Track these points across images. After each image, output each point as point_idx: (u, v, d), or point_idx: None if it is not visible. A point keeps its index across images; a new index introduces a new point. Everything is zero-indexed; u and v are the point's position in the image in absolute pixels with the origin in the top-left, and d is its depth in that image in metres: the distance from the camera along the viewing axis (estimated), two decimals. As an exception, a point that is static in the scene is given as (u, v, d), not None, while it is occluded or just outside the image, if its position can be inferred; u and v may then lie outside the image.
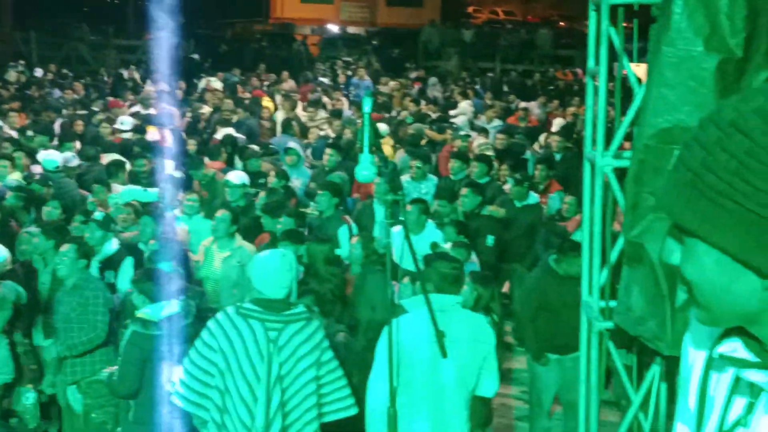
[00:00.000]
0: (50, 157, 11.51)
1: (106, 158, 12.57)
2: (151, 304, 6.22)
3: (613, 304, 5.11)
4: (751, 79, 4.21)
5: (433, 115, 17.87)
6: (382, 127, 14.34)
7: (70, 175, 11.52)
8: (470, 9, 46.08)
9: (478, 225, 9.82)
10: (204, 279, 8.54)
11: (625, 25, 5.15)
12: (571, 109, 19.00)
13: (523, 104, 19.67)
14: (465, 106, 19.65)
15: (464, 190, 10.21)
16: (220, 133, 14.89)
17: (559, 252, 7.79)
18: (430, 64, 30.43)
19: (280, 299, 5.36)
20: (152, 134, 14.84)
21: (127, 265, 8.22)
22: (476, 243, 9.27)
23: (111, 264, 8.29)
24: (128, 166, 11.80)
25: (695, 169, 1.42)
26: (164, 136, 14.99)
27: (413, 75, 27.07)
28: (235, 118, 16.63)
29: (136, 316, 6.15)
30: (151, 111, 17.43)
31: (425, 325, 5.01)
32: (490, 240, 9.83)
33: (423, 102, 20.24)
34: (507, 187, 11.12)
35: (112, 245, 8.50)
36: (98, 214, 9.42)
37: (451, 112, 18.95)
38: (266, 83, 23.36)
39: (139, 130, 14.91)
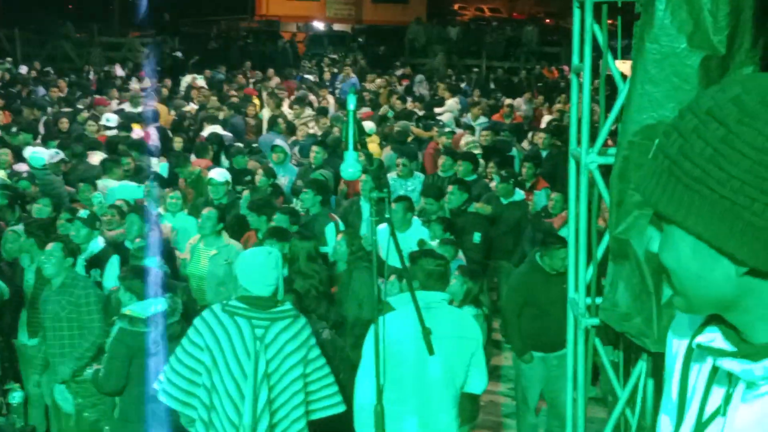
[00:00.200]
0: (37, 154, 11.47)
1: (93, 156, 12.54)
2: (138, 301, 6.21)
3: (599, 300, 5.13)
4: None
5: (420, 113, 17.88)
6: (369, 125, 14.34)
7: (56, 172, 11.48)
8: (456, 6, 46.10)
9: (465, 222, 9.84)
10: (191, 277, 8.53)
11: (609, 22, 5.16)
12: (558, 106, 19.04)
13: (508, 101, 19.69)
14: (451, 103, 19.67)
15: (450, 188, 10.22)
16: (207, 131, 14.86)
17: (542, 246, 7.82)
18: (416, 61, 30.43)
19: (266, 297, 5.35)
20: (137, 132, 14.81)
21: (113, 263, 8.20)
22: (463, 240, 9.28)
23: (96, 262, 8.26)
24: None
25: (672, 156, 1.45)
26: (150, 133, 14.97)
27: (399, 72, 27.07)
28: (221, 116, 16.61)
29: (123, 312, 6.14)
30: (137, 109, 17.39)
31: (412, 323, 5.01)
32: (476, 237, 9.85)
33: (409, 99, 20.25)
34: (493, 184, 11.14)
35: (98, 243, 8.48)
36: (83, 212, 9.39)
37: (438, 110, 18.96)
38: (252, 80, 23.33)
39: (125, 127, 14.87)
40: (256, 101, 18.99)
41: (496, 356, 9.48)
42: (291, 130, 15.30)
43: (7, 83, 22.20)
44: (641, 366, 5.08)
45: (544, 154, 13.40)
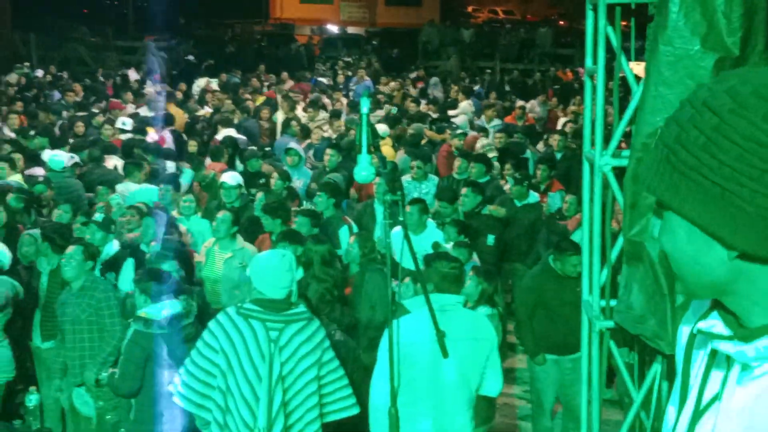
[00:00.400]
0: (57, 157, 11.53)
1: (109, 160, 12.60)
2: (153, 303, 6.24)
3: (613, 303, 5.12)
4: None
5: (433, 115, 17.87)
6: (383, 127, 14.35)
7: (71, 176, 11.55)
8: (470, 8, 46.15)
9: (479, 224, 9.83)
10: (205, 280, 8.55)
11: (623, 23, 5.16)
12: (572, 108, 19.00)
13: (520, 103, 19.65)
14: (465, 105, 19.65)
15: (464, 190, 10.22)
16: (221, 134, 14.90)
17: (555, 250, 7.82)
18: (429, 63, 30.43)
19: (280, 299, 5.36)
20: (152, 135, 14.86)
21: (128, 267, 8.23)
22: (477, 242, 9.28)
23: (111, 265, 8.30)
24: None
25: (670, 145, 1.52)
26: (165, 137, 15.03)
27: (413, 75, 27.06)
28: (236, 119, 16.65)
29: (138, 315, 6.17)
30: (152, 112, 17.45)
31: (427, 325, 5.02)
32: (490, 239, 9.85)
33: (423, 102, 20.24)
34: (507, 186, 11.13)
35: (113, 246, 8.52)
36: (98, 216, 9.44)
37: (451, 112, 18.95)
38: (266, 84, 23.37)
39: (140, 131, 14.93)
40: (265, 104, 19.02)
41: (511, 358, 9.47)
42: (305, 133, 15.33)
43: (22, 87, 22.30)
44: (656, 368, 5.07)
45: (558, 156, 13.38)
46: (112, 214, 9.67)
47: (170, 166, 12.73)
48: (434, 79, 25.02)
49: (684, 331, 1.81)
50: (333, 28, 38.58)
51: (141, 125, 15.37)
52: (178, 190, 10.56)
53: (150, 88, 21.40)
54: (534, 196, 10.71)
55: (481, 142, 13.50)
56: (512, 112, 18.42)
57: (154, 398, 5.94)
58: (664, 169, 1.52)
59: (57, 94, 21.19)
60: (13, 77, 23.41)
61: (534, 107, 19.97)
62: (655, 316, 4.56)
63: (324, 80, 25.12)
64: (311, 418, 5.38)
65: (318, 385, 5.41)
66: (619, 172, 5.03)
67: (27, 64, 26.04)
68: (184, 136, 15.49)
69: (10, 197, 9.91)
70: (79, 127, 15.49)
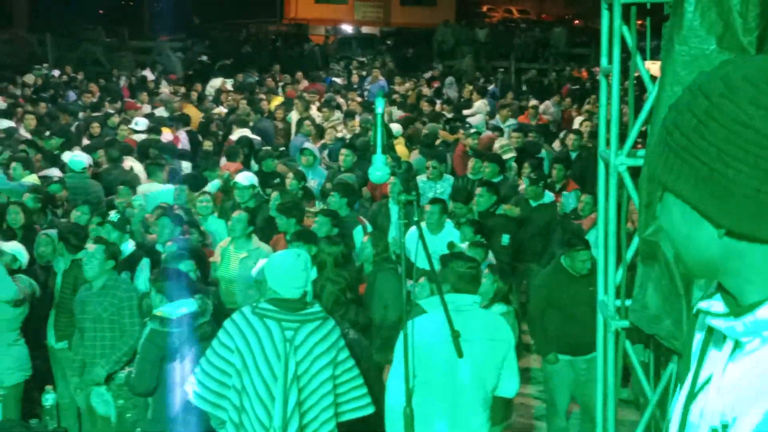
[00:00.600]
0: (77, 158, 11.58)
1: (125, 161, 12.64)
2: (169, 302, 6.26)
3: (629, 302, 5.11)
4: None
5: (448, 115, 17.86)
6: (396, 126, 14.35)
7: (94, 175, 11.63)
8: (484, 8, 46.07)
9: (493, 224, 9.82)
10: (221, 279, 8.57)
11: (638, 23, 5.15)
12: (587, 107, 18.95)
13: (532, 102, 19.61)
14: (480, 105, 19.63)
15: (479, 190, 10.21)
16: (236, 135, 14.92)
17: (565, 247, 7.81)
18: (445, 63, 30.38)
19: (295, 299, 5.37)
20: (167, 135, 14.90)
21: (144, 266, 8.26)
22: (491, 242, 9.28)
23: (127, 265, 8.33)
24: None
25: (668, 128, 1.60)
26: (179, 137, 15.07)
27: (428, 75, 27.04)
28: (251, 119, 16.67)
29: (154, 314, 6.19)
30: (168, 113, 17.50)
31: (442, 325, 5.02)
32: (505, 239, 9.84)
33: (438, 102, 20.22)
34: (522, 186, 11.12)
35: (129, 246, 8.55)
36: (113, 216, 9.47)
37: (466, 112, 18.93)
38: (281, 84, 23.40)
39: (155, 131, 14.97)
40: (278, 104, 19.04)
41: (526, 358, 9.45)
42: (320, 133, 15.34)
43: (39, 88, 22.41)
44: (672, 368, 5.06)
45: (573, 155, 13.36)
46: (134, 215, 9.72)
47: (186, 166, 12.77)
48: (449, 79, 24.97)
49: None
50: (347, 28, 38.58)
51: (156, 125, 15.41)
52: (193, 191, 10.58)
53: (165, 89, 21.47)
54: (549, 196, 10.69)
55: (500, 143, 13.48)
56: (524, 112, 18.39)
57: (171, 397, 5.96)
58: (662, 151, 1.60)
59: (72, 95, 21.27)
60: (30, 78, 23.52)
61: (548, 107, 19.93)
62: (670, 316, 4.55)
63: (338, 80, 25.12)
64: (326, 418, 5.39)
65: (333, 385, 5.42)
66: (635, 172, 5.02)
67: (45, 65, 26.15)
68: (200, 137, 15.54)
69: (27, 197, 9.97)
70: (95, 128, 15.55)
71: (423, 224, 8.75)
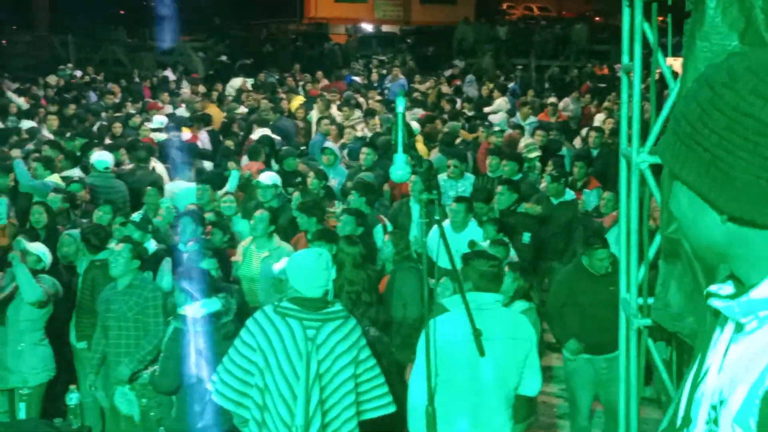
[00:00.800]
0: (102, 157, 11.65)
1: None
2: (193, 301, 6.28)
3: (651, 300, 5.09)
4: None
5: (469, 113, 17.82)
6: (415, 124, 14.34)
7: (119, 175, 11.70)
8: (504, 5, 45.90)
9: (514, 222, 9.80)
10: (242, 279, 8.59)
11: (659, 19, 5.12)
12: (606, 104, 18.88)
13: (551, 99, 19.54)
14: (501, 102, 19.58)
15: (500, 188, 10.19)
16: (256, 134, 14.94)
17: (584, 245, 7.78)
18: (465, 61, 30.31)
19: (317, 298, 5.39)
20: (185, 135, 14.95)
21: (167, 266, 8.30)
22: (513, 241, 9.26)
23: (149, 264, 8.37)
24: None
25: (676, 117, 1.66)
26: (197, 137, 15.12)
27: (448, 73, 27.00)
28: (272, 119, 16.70)
29: (178, 313, 6.22)
30: (189, 112, 17.56)
31: (464, 324, 5.01)
32: (526, 237, 9.82)
33: (458, 100, 20.19)
34: (544, 184, 11.09)
35: (151, 246, 8.59)
36: (135, 216, 9.53)
37: (487, 109, 18.88)
38: (301, 83, 23.43)
39: (174, 130, 15.03)
40: (298, 103, 19.07)
41: (548, 356, 9.43)
42: (340, 132, 15.35)
43: (61, 89, 22.55)
44: (694, 366, 5.03)
45: (594, 153, 13.31)
46: (163, 216, 9.76)
47: (207, 165, 12.81)
48: (469, 77, 24.92)
49: None
50: (367, 27, 38.57)
51: (175, 125, 15.46)
52: (215, 190, 10.62)
53: (186, 89, 21.55)
54: (570, 194, 10.66)
55: (525, 141, 13.45)
56: (544, 109, 18.33)
57: (194, 396, 5.99)
58: (671, 139, 1.66)
59: (93, 96, 21.38)
60: (52, 79, 23.66)
61: (567, 104, 19.86)
62: (693, 313, 4.54)
63: (358, 79, 25.14)
64: (348, 416, 5.40)
65: (354, 384, 5.43)
66: (657, 170, 5.00)
67: (70, 65, 26.31)
68: (221, 137, 15.58)
69: (53, 197, 10.04)
70: (117, 128, 15.63)
71: (445, 223, 8.77)
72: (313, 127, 16.75)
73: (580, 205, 10.74)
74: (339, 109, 17.90)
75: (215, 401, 5.49)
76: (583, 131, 15.74)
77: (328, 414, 5.32)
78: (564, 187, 10.54)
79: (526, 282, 7.41)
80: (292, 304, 5.36)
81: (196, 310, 6.13)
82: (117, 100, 20.42)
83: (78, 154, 13.14)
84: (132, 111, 18.42)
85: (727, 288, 1.70)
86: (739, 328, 1.66)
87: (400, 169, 4.35)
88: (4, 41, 32.16)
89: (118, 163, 12.40)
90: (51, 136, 14.72)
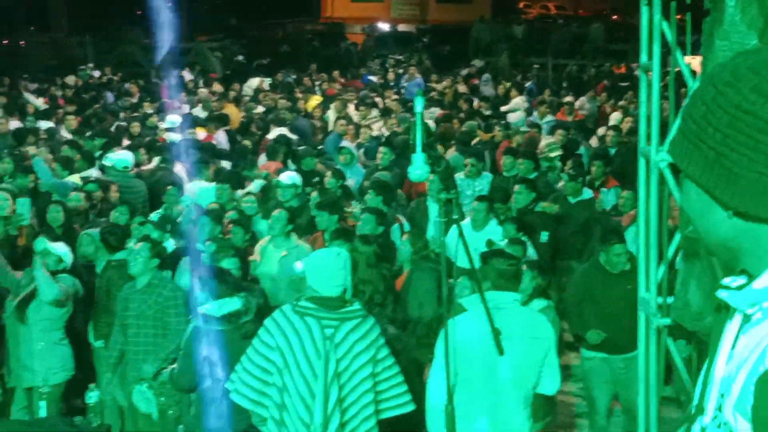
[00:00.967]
0: (121, 156, 11.69)
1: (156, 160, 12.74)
2: (213, 300, 6.29)
3: (670, 300, 5.08)
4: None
5: (486, 112, 17.80)
6: (429, 123, 14.33)
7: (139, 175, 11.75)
8: (521, 4, 45.83)
9: (532, 221, 9.78)
10: (260, 278, 8.61)
11: (677, 17, 5.11)
12: (622, 103, 18.81)
13: (567, 99, 19.49)
14: (519, 101, 19.53)
15: (517, 187, 10.18)
16: (273, 133, 14.96)
17: (601, 241, 7.76)
18: (482, 60, 30.25)
19: (335, 297, 5.40)
20: (200, 135, 14.97)
21: (185, 265, 8.32)
22: (530, 240, 9.24)
23: (168, 263, 8.39)
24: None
25: (684, 116, 1.71)
26: (212, 136, 15.14)
27: (465, 72, 26.97)
28: (289, 118, 16.73)
29: (198, 311, 6.24)
30: (207, 112, 17.59)
31: (483, 323, 5.02)
32: (543, 236, 9.80)
33: (475, 100, 20.16)
34: (561, 183, 11.07)
35: (170, 245, 8.62)
36: (154, 215, 9.56)
37: (504, 108, 18.85)
38: (317, 83, 23.46)
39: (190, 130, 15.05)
40: (314, 103, 19.08)
41: (566, 355, 9.41)
42: (357, 132, 15.35)
43: (79, 89, 22.64)
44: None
45: (611, 152, 13.27)
46: (183, 215, 9.80)
47: (225, 165, 12.83)
48: (485, 76, 24.87)
49: None
50: (384, 26, 38.56)
51: (191, 124, 15.49)
52: (235, 189, 10.65)
53: (203, 89, 21.59)
54: (588, 193, 10.64)
55: (546, 141, 13.43)
56: (560, 109, 18.29)
57: (213, 394, 6.00)
58: (679, 138, 1.70)
59: (110, 96, 21.45)
60: (70, 79, 23.75)
61: (583, 103, 19.80)
62: (713, 312, 4.52)
63: (374, 78, 25.13)
64: (366, 415, 5.41)
65: (373, 383, 5.44)
66: (676, 168, 4.98)
67: (90, 65, 26.41)
68: (238, 136, 15.61)
69: (75, 195, 10.10)
70: (135, 128, 15.68)
71: (465, 221, 8.77)
72: (330, 127, 16.76)
73: (598, 204, 10.72)
74: (356, 108, 17.91)
75: (234, 400, 5.51)
76: (600, 130, 15.70)
77: (346, 413, 5.33)
78: (582, 186, 10.52)
79: (544, 280, 7.40)
80: (311, 303, 5.38)
81: (215, 308, 6.14)
82: (135, 100, 20.47)
83: (97, 154, 13.18)
84: (149, 111, 18.47)
85: (740, 281, 1.73)
86: (747, 319, 1.70)
87: (418, 168, 4.36)
88: (22, 42, 32.29)
89: (138, 163, 12.45)
90: (69, 137, 14.78)
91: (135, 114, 18.13)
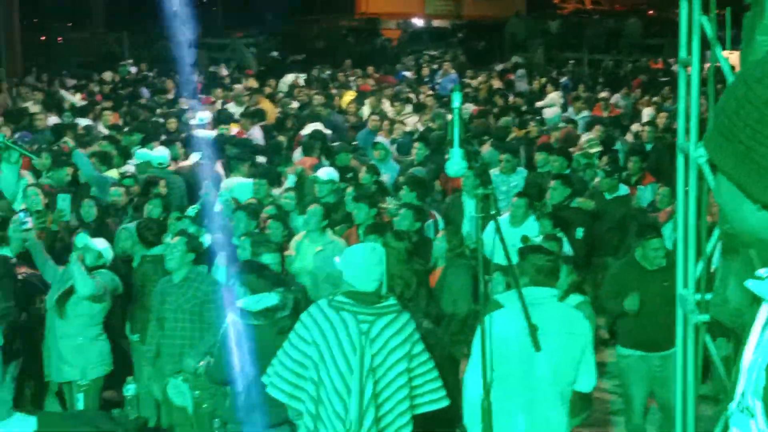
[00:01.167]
0: (159, 152, 11.77)
1: (194, 156, 12.78)
2: (251, 295, 6.32)
3: (708, 296, 5.04)
4: None
5: (522, 108, 17.74)
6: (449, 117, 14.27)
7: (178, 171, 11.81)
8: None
9: (567, 217, 9.74)
10: (295, 273, 8.63)
11: (717, 12, 5.07)
12: (655, 99, 18.67)
13: (603, 94, 19.37)
14: (554, 96, 19.45)
15: (552, 182, 10.14)
16: (307, 129, 14.98)
17: (638, 236, 7.70)
18: (517, 55, 30.12)
19: (371, 292, 5.41)
20: (234, 130, 15.03)
21: (221, 260, 8.36)
22: (566, 236, 9.20)
23: (204, 258, 8.44)
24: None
25: (718, 112, 1.73)
26: (254, 132, 15.19)
27: (500, 67, 26.88)
28: (324, 114, 16.76)
29: (235, 305, 6.27)
30: (241, 108, 17.66)
31: (519, 319, 5.01)
32: (579, 233, 9.75)
33: (510, 96, 20.09)
34: (597, 179, 11.01)
35: (205, 240, 8.66)
36: (191, 210, 9.62)
37: (540, 104, 18.78)
38: (352, 78, 23.47)
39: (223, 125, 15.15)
40: (349, 98, 19.09)
41: (602, 352, 9.37)
42: (390, 127, 15.34)
43: (116, 85, 22.81)
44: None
45: (647, 147, 13.18)
46: (222, 210, 9.86)
47: (261, 161, 12.87)
48: (520, 71, 24.78)
49: None
50: (419, 22, 38.49)
51: (225, 120, 15.56)
52: (272, 185, 10.68)
53: (239, 84, 21.67)
54: (623, 189, 10.57)
55: (586, 137, 13.37)
56: (596, 104, 18.18)
57: (248, 388, 6.03)
58: (713, 133, 1.73)
59: (146, 92, 21.58)
60: (107, 75, 23.93)
61: (618, 101, 19.68)
62: (752, 309, 4.48)
63: (409, 74, 25.11)
64: (401, 410, 5.42)
65: (408, 378, 5.45)
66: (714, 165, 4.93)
67: (130, 61, 26.60)
68: (274, 132, 15.65)
69: (113, 190, 10.18)
70: (172, 123, 15.77)
71: (503, 216, 8.74)
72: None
73: (635, 201, 10.65)
74: (391, 104, 17.92)
75: (270, 393, 5.54)
76: (633, 126, 15.59)
77: (381, 407, 5.35)
78: (618, 182, 10.46)
79: (578, 276, 7.37)
80: (346, 298, 5.40)
81: (252, 303, 6.17)
82: (171, 96, 20.59)
83: (134, 149, 13.26)
84: (185, 107, 18.56)
85: None
86: None
87: (456, 163, 4.36)
88: (60, 39, 32.60)
89: (175, 158, 12.52)
90: (106, 132, 14.90)
91: (171, 110, 18.22)
